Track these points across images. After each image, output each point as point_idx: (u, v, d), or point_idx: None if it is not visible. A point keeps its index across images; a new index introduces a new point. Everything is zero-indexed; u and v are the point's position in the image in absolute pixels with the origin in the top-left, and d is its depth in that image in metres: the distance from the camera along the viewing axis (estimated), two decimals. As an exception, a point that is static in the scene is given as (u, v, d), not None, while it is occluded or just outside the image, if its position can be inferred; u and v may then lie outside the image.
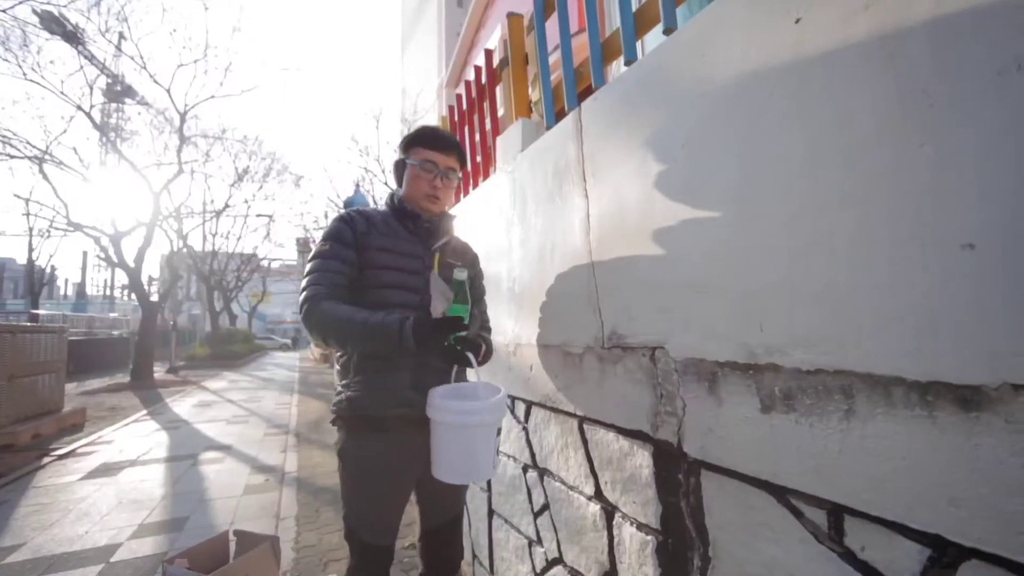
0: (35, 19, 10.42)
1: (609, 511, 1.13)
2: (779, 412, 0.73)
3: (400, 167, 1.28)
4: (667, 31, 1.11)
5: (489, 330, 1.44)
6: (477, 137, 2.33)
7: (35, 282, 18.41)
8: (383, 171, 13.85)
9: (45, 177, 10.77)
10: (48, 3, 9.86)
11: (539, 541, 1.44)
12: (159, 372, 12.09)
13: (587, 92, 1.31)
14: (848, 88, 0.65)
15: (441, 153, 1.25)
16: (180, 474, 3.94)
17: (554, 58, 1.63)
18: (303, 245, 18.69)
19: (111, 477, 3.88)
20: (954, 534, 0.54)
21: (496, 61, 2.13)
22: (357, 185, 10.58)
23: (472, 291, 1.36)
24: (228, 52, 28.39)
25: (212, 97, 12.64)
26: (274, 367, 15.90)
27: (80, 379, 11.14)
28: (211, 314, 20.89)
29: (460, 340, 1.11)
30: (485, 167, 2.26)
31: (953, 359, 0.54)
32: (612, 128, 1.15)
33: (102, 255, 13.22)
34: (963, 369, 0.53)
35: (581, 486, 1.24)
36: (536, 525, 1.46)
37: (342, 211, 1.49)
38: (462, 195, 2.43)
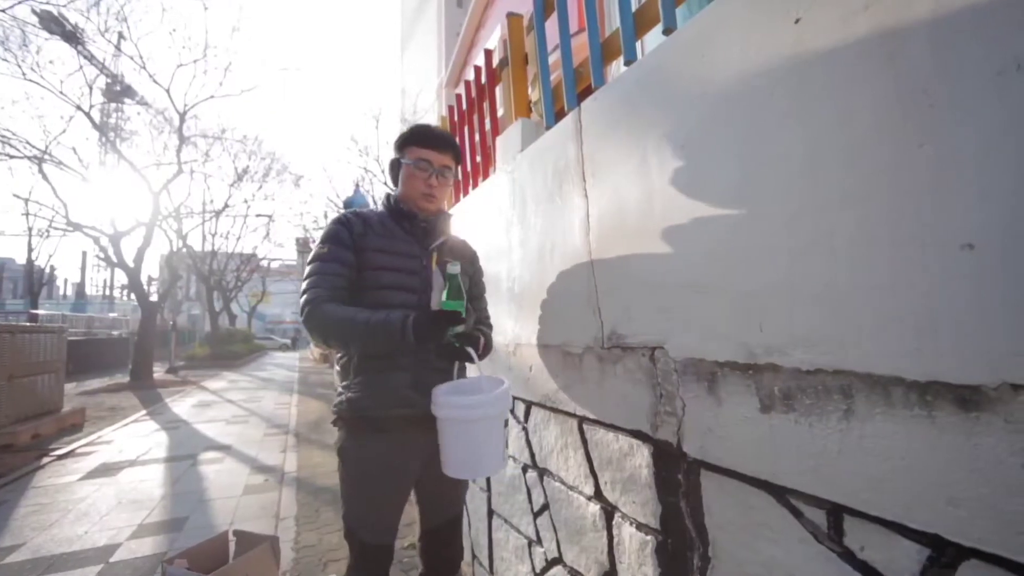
0: (34, 19, 10.44)
1: (609, 511, 1.13)
2: (779, 412, 0.73)
3: (395, 167, 1.28)
4: (667, 31, 1.11)
5: (490, 327, 1.44)
6: (477, 137, 2.33)
7: (34, 282, 18.43)
8: (383, 171, 13.86)
9: (44, 177, 10.77)
10: (48, 3, 9.88)
11: (539, 541, 1.44)
12: (158, 372, 12.09)
13: (587, 92, 1.31)
14: (848, 88, 0.65)
15: (436, 151, 1.24)
16: (180, 474, 3.94)
17: (554, 58, 1.63)
18: (303, 245, 18.69)
19: (110, 477, 3.88)
20: (953, 534, 0.54)
21: (496, 61, 2.13)
22: (357, 185, 10.60)
23: (472, 288, 1.36)
24: (227, 52, 28.28)
25: (211, 97, 12.68)
26: (274, 367, 15.89)
27: (79, 379, 11.14)
28: (211, 314, 20.88)
29: (458, 336, 1.11)
30: (485, 167, 2.25)
31: (953, 359, 0.54)
32: (612, 128, 1.15)
33: (101, 255, 13.23)
34: (962, 369, 0.53)
35: (581, 486, 1.24)
36: (536, 525, 1.46)
37: (341, 212, 1.49)
38: (462, 195, 2.43)
